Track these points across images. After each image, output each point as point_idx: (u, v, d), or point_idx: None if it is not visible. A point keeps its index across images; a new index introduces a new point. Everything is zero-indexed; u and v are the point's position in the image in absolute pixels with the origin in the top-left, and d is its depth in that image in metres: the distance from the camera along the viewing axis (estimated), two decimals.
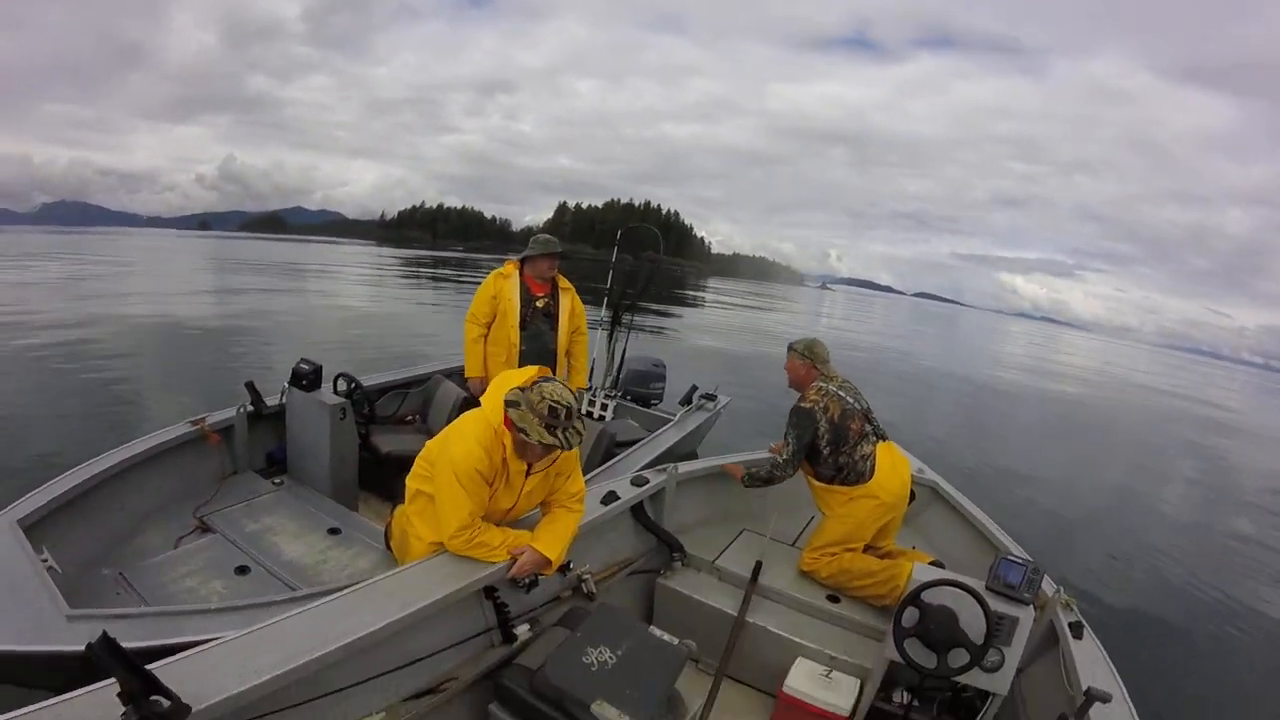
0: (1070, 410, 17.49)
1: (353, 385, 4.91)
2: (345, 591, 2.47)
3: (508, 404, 2.53)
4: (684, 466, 4.03)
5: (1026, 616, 2.84)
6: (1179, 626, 6.37)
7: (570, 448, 2.64)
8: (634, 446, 4.95)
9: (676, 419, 5.68)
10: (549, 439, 2.54)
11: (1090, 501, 10.04)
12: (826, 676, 3.24)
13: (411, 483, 2.78)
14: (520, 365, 4.76)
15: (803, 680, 3.23)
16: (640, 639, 2.80)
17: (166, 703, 1.77)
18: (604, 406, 5.85)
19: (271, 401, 4.74)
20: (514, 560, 2.79)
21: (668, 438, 5.24)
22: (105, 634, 1.72)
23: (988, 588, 2.90)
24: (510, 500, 2.82)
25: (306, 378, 4.53)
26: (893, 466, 3.66)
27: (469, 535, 2.67)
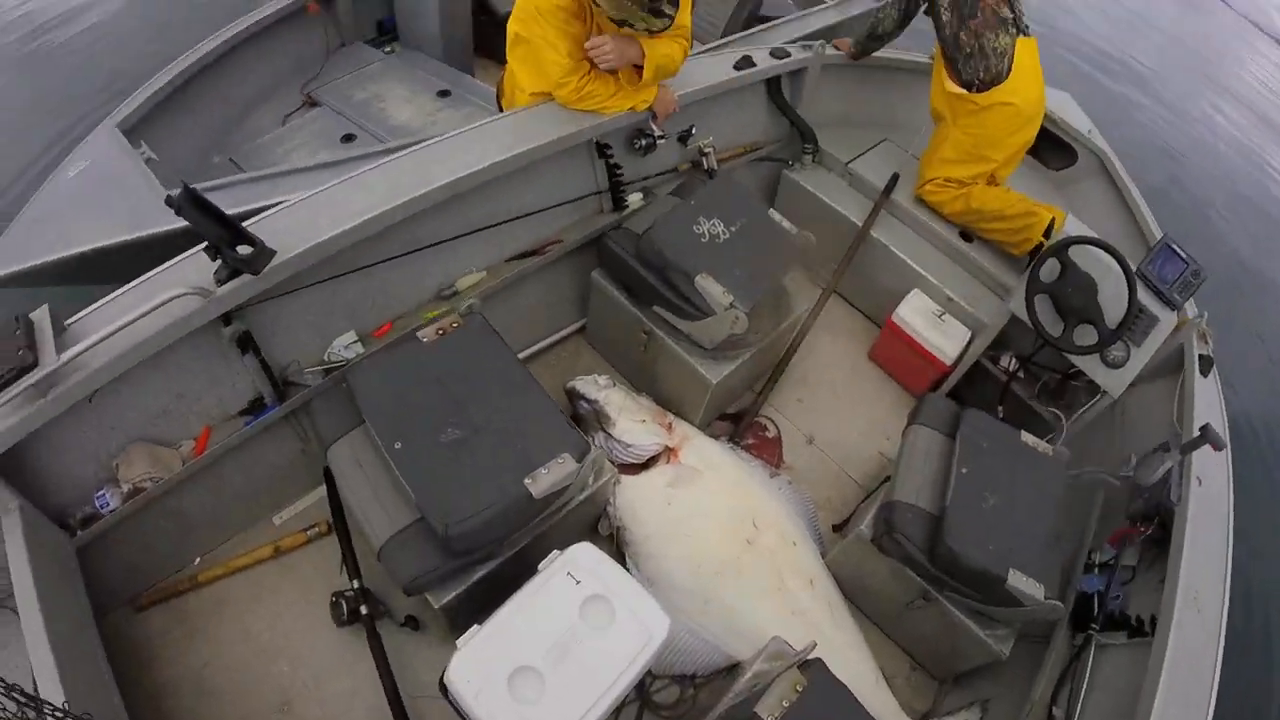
0: None
1: None
2: (445, 136, 2.31)
3: None
4: (831, 48, 3.44)
5: (1167, 320, 2.52)
6: None
7: (676, 11, 2.24)
8: (779, 21, 4.22)
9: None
10: (656, 23, 2.21)
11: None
12: (939, 317, 3.04)
13: (511, 25, 2.42)
14: None
15: (914, 314, 3.05)
16: (758, 219, 2.59)
17: (251, 249, 1.73)
18: None
19: None
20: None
21: (820, 19, 4.35)
22: (185, 184, 1.62)
23: (1139, 271, 2.50)
24: None
25: None
26: (1033, 68, 3.01)
27: (575, 82, 2.37)
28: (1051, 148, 3.87)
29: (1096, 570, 2.16)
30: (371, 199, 2.03)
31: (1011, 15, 2.98)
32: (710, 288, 2.30)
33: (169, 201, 1.60)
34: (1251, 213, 9.74)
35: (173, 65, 3.52)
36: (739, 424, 2.80)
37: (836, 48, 3.44)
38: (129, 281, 2.58)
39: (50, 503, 1.78)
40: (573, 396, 2.54)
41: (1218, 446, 2.13)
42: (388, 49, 4.42)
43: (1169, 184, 8.48)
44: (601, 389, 2.50)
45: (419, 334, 2.01)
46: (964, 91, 3.01)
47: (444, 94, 3.99)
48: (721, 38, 4.19)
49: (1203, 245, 7.61)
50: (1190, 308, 2.80)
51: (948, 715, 2.26)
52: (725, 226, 2.48)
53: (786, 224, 2.64)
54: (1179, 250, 2.57)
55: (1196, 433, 2.17)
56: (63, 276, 2.70)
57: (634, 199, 2.78)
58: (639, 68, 2.42)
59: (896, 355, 3.16)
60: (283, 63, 4.08)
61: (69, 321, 1.69)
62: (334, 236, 1.92)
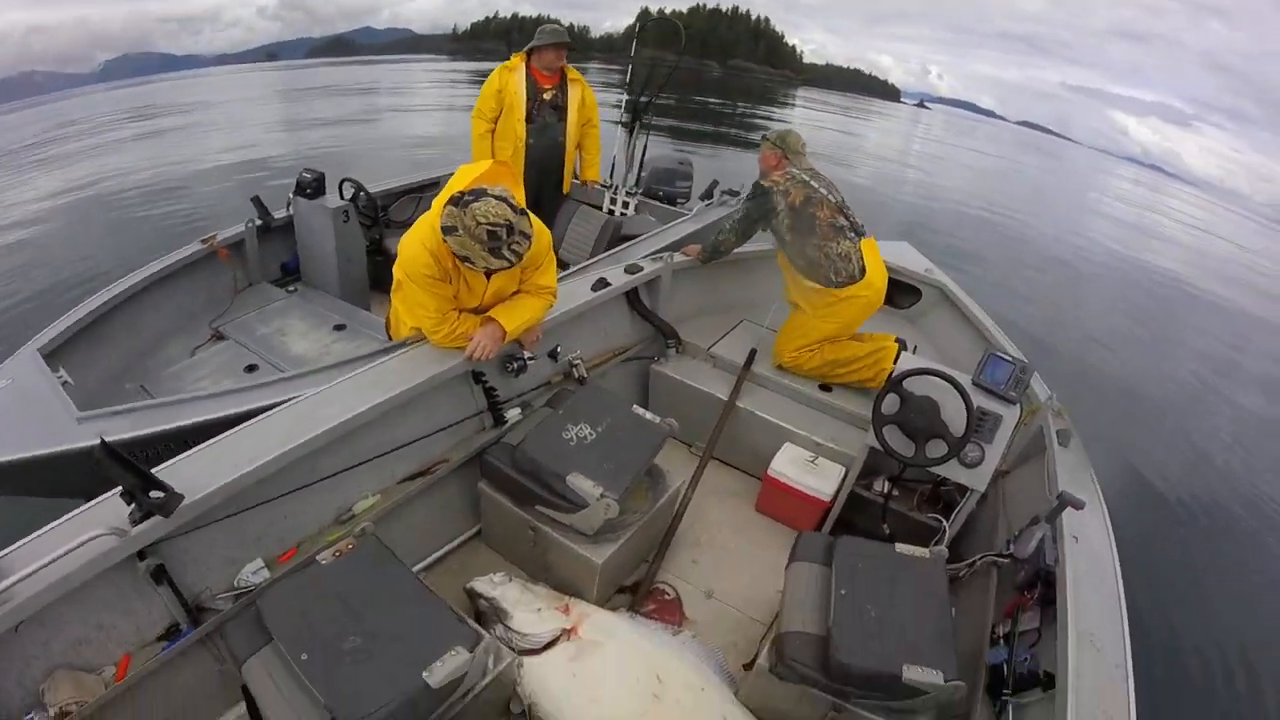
0: (1155, 277, 14.42)
1: (357, 190, 4.88)
2: (336, 381, 2.59)
3: (444, 230, 2.40)
4: (680, 255, 3.97)
5: (1010, 415, 2.82)
6: (1186, 495, 6.09)
7: (518, 262, 2.52)
8: (640, 238, 4.81)
9: (693, 213, 5.47)
10: (495, 262, 2.44)
11: (1139, 366, 8.95)
12: (812, 462, 3.33)
13: (396, 271, 2.76)
14: (527, 159, 4.79)
15: (788, 465, 3.33)
16: (621, 417, 2.89)
17: (162, 495, 1.95)
18: (624, 205, 5.69)
19: (280, 214, 4.80)
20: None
21: (677, 231, 5.00)
22: (103, 440, 1.85)
23: (974, 382, 2.87)
24: (475, 300, 2.81)
25: (310, 186, 4.58)
26: (876, 263, 3.53)
27: (447, 330, 2.73)
28: (899, 290, 4.44)
29: (1001, 642, 2.30)
30: (270, 442, 2.26)
31: (847, 223, 3.47)
32: (580, 484, 2.55)
33: (90, 454, 1.80)
34: (1140, 294, 12.38)
35: (94, 298, 3.82)
36: (636, 593, 2.95)
37: (686, 254, 3.94)
38: (32, 494, 2.71)
39: None
40: (472, 596, 2.67)
41: (1077, 506, 2.36)
42: (291, 288, 4.79)
43: (1070, 285, 11.05)
44: (497, 586, 2.65)
45: (319, 557, 2.18)
46: (821, 286, 3.44)
47: (339, 328, 4.31)
48: (590, 258, 4.70)
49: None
50: (1043, 392, 3.22)
51: None
52: (592, 429, 2.78)
53: (649, 415, 2.93)
54: (1003, 355, 2.91)
55: (1055, 500, 2.41)
56: None
57: (513, 414, 3.07)
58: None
59: (780, 503, 3.39)
60: (193, 300, 4.41)
61: None
62: (237, 478, 2.13)
